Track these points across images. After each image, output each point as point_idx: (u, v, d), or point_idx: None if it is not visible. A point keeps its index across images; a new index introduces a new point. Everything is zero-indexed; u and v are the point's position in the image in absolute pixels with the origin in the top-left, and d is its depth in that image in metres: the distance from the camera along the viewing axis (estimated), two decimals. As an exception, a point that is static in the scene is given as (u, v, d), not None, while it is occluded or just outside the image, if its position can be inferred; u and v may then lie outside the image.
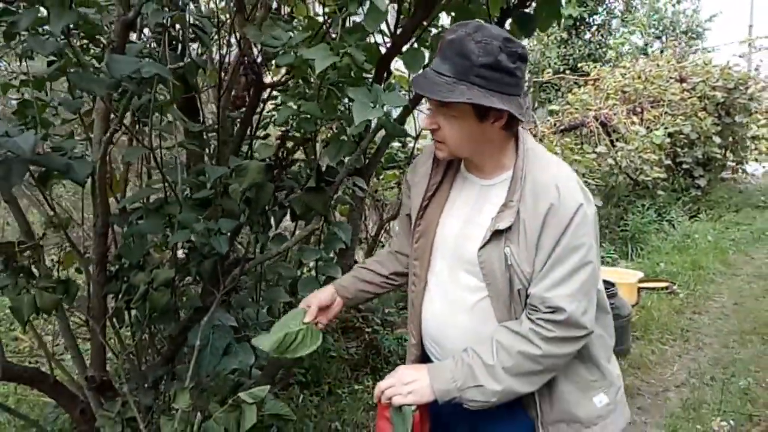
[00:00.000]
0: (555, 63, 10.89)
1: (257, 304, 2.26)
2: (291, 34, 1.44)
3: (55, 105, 2.14)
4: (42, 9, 1.44)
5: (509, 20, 1.92)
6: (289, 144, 1.84)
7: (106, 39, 1.81)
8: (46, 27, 1.50)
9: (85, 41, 2.08)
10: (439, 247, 1.35)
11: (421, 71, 1.18)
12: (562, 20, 11.50)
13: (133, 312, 2.07)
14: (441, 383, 1.20)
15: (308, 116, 1.55)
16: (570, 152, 5.26)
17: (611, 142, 6.12)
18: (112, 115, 1.71)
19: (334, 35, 1.76)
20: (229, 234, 1.77)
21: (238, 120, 2.09)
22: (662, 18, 17.60)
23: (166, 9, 1.47)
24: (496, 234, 1.19)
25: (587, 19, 11.79)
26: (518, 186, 1.19)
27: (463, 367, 1.20)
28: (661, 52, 8.90)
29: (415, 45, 1.78)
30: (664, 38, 17.41)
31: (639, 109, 6.74)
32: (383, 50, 1.88)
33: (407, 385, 1.22)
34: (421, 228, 1.37)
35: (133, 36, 1.88)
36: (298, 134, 1.81)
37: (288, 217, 1.96)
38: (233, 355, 1.98)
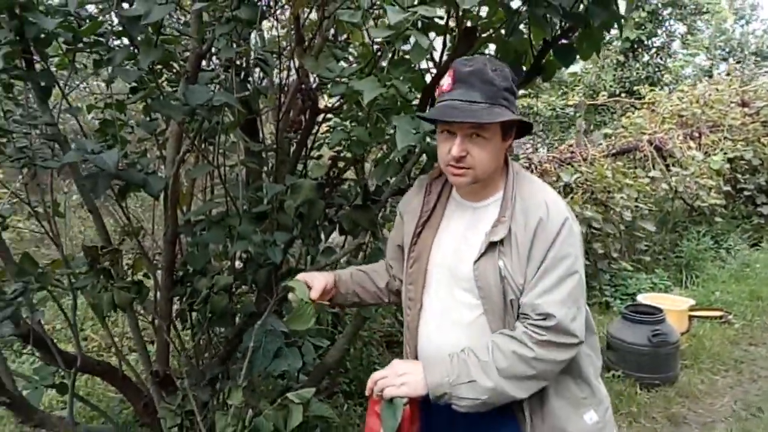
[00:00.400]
0: (611, 86, 10.76)
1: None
2: (344, 64, 1.59)
3: (131, 125, 2.40)
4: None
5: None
6: (341, 164, 2.00)
7: (181, 68, 2.02)
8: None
9: (159, 66, 2.32)
10: (434, 269, 1.40)
11: (444, 102, 1.25)
12: (619, 43, 11.41)
13: (194, 315, 2.27)
14: (434, 377, 1.23)
15: (358, 140, 1.70)
16: (622, 176, 5.22)
17: (666, 166, 6.01)
18: (184, 136, 1.92)
19: (383, 63, 1.92)
20: (283, 246, 1.94)
21: (295, 141, 2.27)
22: (729, 39, 17.05)
23: (234, 44, 1.66)
24: (491, 247, 1.26)
25: (645, 42, 11.60)
26: (509, 204, 1.28)
27: (459, 363, 1.24)
28: (728, 74, 8.67)
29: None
30: (731, 60, 16.83)
31: (696, 134, 6.59)
32: (428, 78, 2.02)
33: (401, 376, 1.24)
34: (415, 254, 1.42)
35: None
36: (349, 155, 1.97)
37: (337, 231, 2.11)
38: (283, 358, 2.14)
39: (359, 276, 1.59)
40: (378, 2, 1.46)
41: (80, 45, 1.99)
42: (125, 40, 1.93)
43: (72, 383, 1.97)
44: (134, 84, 2.03)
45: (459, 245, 1.35)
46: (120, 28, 1.77)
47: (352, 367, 3.42)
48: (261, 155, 2.26)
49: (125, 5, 1.55)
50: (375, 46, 2.29)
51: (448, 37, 1.81)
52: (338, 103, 2.13)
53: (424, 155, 1.95)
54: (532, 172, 4.98)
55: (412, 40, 1.57)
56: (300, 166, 2.29)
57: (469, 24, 1.74)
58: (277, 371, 2.12)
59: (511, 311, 1.27)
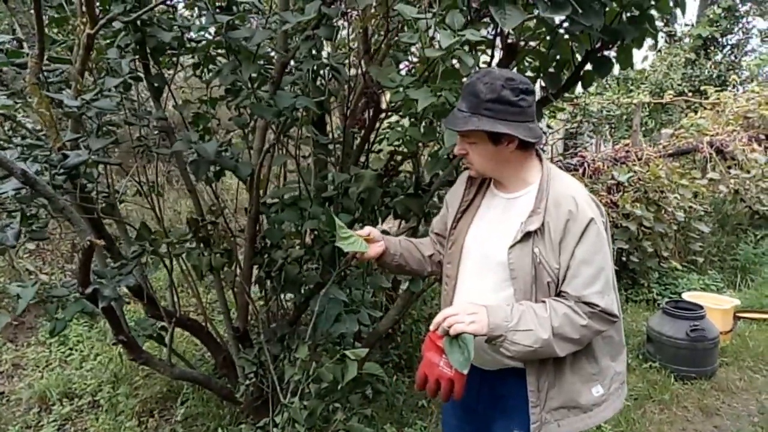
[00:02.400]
0: (678, 84, 10.52)
1: (364, 286, 2.76)
2: (403, 72, 1.90)
3: (218, 119, 2.81)
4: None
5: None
6: (397, 158, 2.32)
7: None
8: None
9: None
10: (469, 250, 1.58)
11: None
12: (691, 40, 11.10)
13: (269, 283, 2.66)
14: (496, 318, 1.37)
15: (411, 137, 2.02)
16: (677, 176, 5.28)
17: (727, 168, 5.98)
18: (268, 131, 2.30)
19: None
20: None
21: (358, 136, 2.62)
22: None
23: (314, 55, 2.01)
24: (526, 236, 1.44)
25: (720, 39, 11.23)
26: (543, 196, 1.45)
27: (518, 312, 1.38)
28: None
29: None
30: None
31: (763, 136, 6.48)
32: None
33: (470, 315, 1.36)
34: (454, 237, 1.63)
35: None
36: (405, 151, 2.29)
37: (392, 216, 2.43)
38: (342, 322, 2.49)
39: (406, 243, 1.78)
40: (432, 25, 1.75)
41: (183, 50, 2.42)
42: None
43: (171, 333, 2.40)
44: (228, 87, 2.44)
45: (492, 232, 1.54)
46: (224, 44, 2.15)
47: (402, 342, 3.75)
48: (328, 147, 2.62)
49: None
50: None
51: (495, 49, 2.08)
52: (397, 105, 2.44)
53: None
54: (584, 170, 5.13)
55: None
56: (362, 159, 2.63)
57: (510, 40, 2.01)
58: (337, 333, 2.47)
59: (545, 291, 1.43)
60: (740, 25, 11.66)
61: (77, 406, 3.40)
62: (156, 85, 2.36)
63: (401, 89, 1.88)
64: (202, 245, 2.18)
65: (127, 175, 2.47)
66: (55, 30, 2.41)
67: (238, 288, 2.45)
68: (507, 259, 1.47)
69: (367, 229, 1.69)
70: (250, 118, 2.59)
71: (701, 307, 3.76)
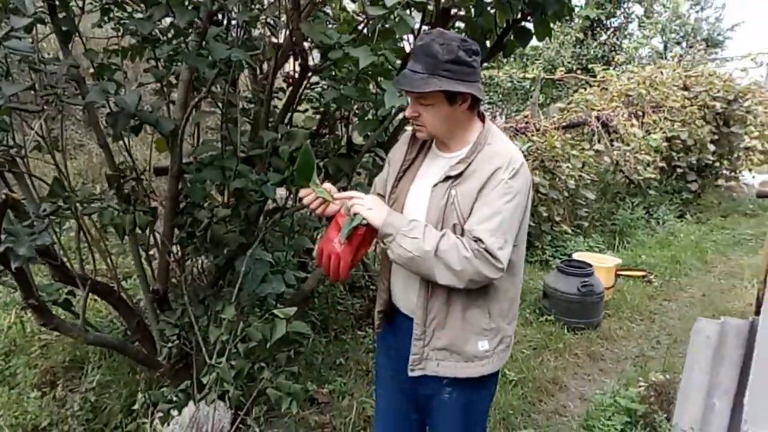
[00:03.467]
0: (568, 62, 11.25)
1: (287, 247, 2.76)
2: (337, 33, 1.89)
3: (124, 72, 2.62)
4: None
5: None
6: (329, 119, 2.32)
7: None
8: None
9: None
10: (409, 207, 1.63)
11: (402, 72, 1.50)
12: (580, 21, 11.86)
13: (188, 244, 2.57)
14: (393, 219, 1.50)
15: (347, 97, 2.02)
16: (569, 147, 5.70)
17: (610, 141, 6.55)
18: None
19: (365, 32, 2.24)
20: (275, 185, 2.27)
21: (279, 96, 2.56)
22: (684, 24, 17.79)
23: (249, 8, 1.94)
24: (446, 178, 1.52)
25: (604, 22, 12.10)
26: (477, 149, 1.53)
27: (414, 224, 1.49)
28: (680, 58, 9.20)
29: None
30: (684, 44, 17.63)
31: (640, 113, 7.15)
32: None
33: (373, 205, 1.53)
34: (395, 195, 1.67)
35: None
36: (337, 112, 2.29)
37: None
38: (268, 283, 2.48)
39: None
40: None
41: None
42: None
43: (85, 297, 2.26)
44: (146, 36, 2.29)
45: (427, 185, 1.59)
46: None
47: (319, 303, 3.81)
48: (243, 106, 2.53)
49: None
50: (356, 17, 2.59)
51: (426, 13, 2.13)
52: (324, 64, 2.42)
53: (401, 114, 2.30)
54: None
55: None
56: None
57: (443, 4, 2.07)
58: (264, 293, 2.46)
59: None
60: (622, 10, 12.63)
61: (-37, 381, 3.11)
62: (64, 29, 2.15)
63: (338, 47, 1.88)
64: (124, 204, 2.05)
65: (27, 126, 2.25)
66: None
67: (161, 249, 2.35)
68: (429, 196, 1.56)
69: (327, 185, 1.68)
70: (167, 70, 2.46)
71: (590, 266, 4.16)
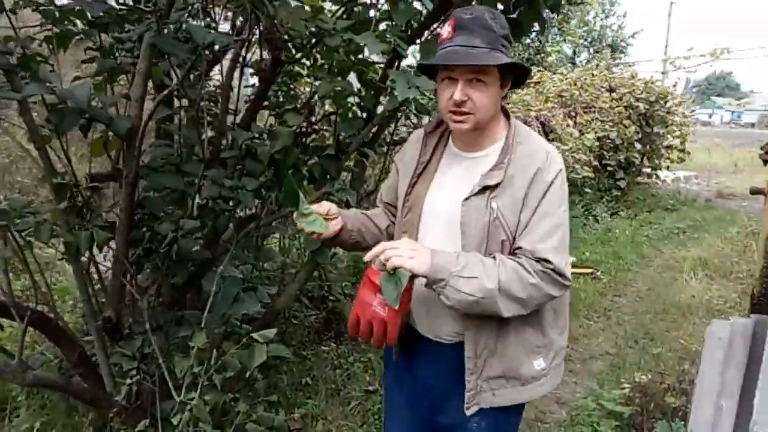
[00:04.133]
0: (496, 64, 11.49)
1: (256, 261, 2.47)
2: (336, 20, 1.67)
3: (50, 63, 2.25)
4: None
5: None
6: (318, 115, 2.07)
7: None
8: None
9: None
10: (427, 218, 1.44)
11: (445, 49, 1.31)
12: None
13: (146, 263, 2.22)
14: (440, 260, 1.26)
15: (341, 91, 1.79)
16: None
17: (549, 141, 6.67)
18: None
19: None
20: (253, 191, 1.99)
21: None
22: (591, 30, 18.81)
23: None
24: (483, 189, 1.33)
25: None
26: (510, 150, 1.35)
27: (465, 259, 1.28)
28: (588, 62, 9.59)
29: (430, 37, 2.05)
30: (591, 50, 18.63)
31: (574, 113, 7.34)
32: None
33: (412, 250, 1.26)
34: (410, 203, 1.47)
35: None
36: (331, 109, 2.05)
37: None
38: (241, 303, 2.19)
39: (362, 216, 1.61)
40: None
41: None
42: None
43: (23, 332, 1.88)
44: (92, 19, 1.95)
45: (453, 193, 1.40)
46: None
47: (278, 319, 3.51)
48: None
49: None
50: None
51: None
52: (300, 56, 2.17)
53: (386, 112, 2.09)
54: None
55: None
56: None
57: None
58: (238, 314, 2.17)
59: (496, 252, 1.32)
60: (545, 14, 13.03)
61: None
62: (-12, 8, 1.77)
63: (336, 33, 1.64)
64: (77, 218, 1.70)
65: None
66: None
67: (113, 268, 2.00)
68: (460, 214, 1.36)
69: (326, 204, 1.49)
70: (113, 59, 2.11)
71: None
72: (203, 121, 2.28)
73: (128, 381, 2.03)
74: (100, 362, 2.25)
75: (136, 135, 1.83)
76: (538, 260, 1.30)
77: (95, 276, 2.34)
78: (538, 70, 8.71)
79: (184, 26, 1.56)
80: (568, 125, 6.95)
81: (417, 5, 1.96)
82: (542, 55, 12.05)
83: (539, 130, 6.47)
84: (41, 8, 2.09)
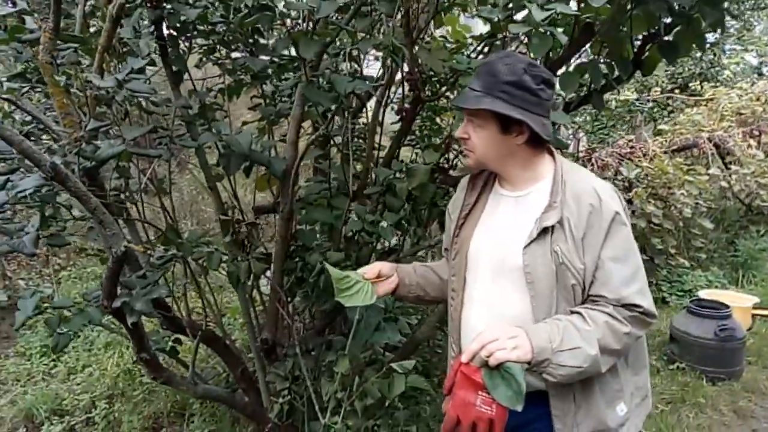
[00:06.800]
0: (662, 82, 10.59)
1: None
2: (470, 60, 1.70)
3: (225, 111, 2.55)
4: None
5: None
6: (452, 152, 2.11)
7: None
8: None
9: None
10: (474, 260, 1.40)
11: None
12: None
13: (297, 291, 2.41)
14: (539, 340, 1.17)
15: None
16: (680, 172, 5.21)
17: (725, 164, 5.96)
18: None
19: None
20: (392, 226, 2.08)
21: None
22: (782, 36, 16.52)
23: (369, 37, 1.78)
24: (542, 233, 1.26)
25: (700, 37, 11.31)
26: (559, 189, 1.29)
27: (559, 329, 1.20)
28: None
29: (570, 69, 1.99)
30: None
31: (756, 132, 6.49)
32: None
33: (512, 339, 1.16)
34: (458, 246, 1.44)
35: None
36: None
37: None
38: (382, 331, 2.27)
39: (423, 270, 1.60)
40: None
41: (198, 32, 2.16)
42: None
43: (195, 348, 2.14)
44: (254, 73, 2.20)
45: (502, 235, 1.35)
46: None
47: (419, 348, 3.55)
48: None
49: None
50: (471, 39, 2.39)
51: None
52: (440, 94, 2.23)
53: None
54: (592, 165, 5.01)
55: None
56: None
57: (588, 19, 1.83)
58: (379, 343, 2.25)
59: (570, 297, 1.26)
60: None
61: (69, 425, 3.10)
62: (175, 69, 2.09)
63: (469, 73, 1.67)
64: (238, 250, 1.93)
65: (137, 169, 2.20)
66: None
67: (271, 295, 2.20)
68: (522, 261, 1.29)
69: (377, 266, 1.52)
70: (274, 108, 2.35)
71: (727, 306, 3.67)
72: (352, 158, 2.44)
73: (280, 399, 2.20)
74: (259, 380, 2.48)
75: (289, 174, 2.02)
76: (626, 306, 1.25)
77: (258, 299, 2.60)
78: (712, 86, 7.85)
79: (329, 76, 1.69)
80: (749, 146, 6.15)
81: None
82: (717, 68, 10.85)
83: (712, 153, 5.82)
84: (219, 62, 2.43)
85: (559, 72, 1.93)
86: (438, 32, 2.58)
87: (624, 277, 1.24)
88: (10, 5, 1.75)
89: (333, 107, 1.91)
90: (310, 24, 1.69)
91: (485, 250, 1.38)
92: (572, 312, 1.25)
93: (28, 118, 1.80)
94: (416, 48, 2.01)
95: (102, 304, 1.56)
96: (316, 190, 2.27)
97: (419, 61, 2.03)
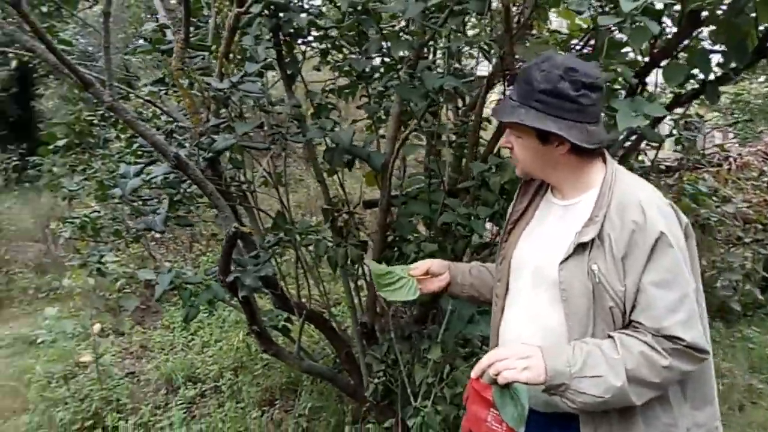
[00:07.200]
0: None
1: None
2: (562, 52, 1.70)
3: (338, 109, 2.72)
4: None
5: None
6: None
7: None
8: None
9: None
10: (518, 267, 1.35)
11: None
12: None
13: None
14: (556, 363, 1.11)
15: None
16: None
17: None
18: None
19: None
20: (485, 219, 2.12)
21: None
22: None
23: (460, 35, 1.85)
24: (579, 248, 1.18)
25: None
26: (605, 201, 1.19)
27: (582, 353, 1.12)
28: None
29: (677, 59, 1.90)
30: None
31: None
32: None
33: (523, 359, 1.11)
34: (504, 251, 1.40)
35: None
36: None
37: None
38: (476, 324, 2.32)
39: (479, 270, 1.56)
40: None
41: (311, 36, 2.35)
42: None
43: (301, 326, 2.34)
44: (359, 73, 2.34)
45: (547, 244, 1.29)
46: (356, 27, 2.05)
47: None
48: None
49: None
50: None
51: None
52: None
53: (631, 138, 1.99)
54: (729, 165, 4.58)
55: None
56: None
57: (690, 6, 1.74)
58: (472, 334, 2.30)
59: (609, 319, 1.17)
60: None
61: (201, 391, 3.49)
62: (289, 72, 2.31)
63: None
64: (337, 236, 2.10)
65: (256, 163, 2.45)
66: (193, 18, 2.43)
67: (369, 282, 2.35)
68: (558, 277, 1.21)
69: (426, 263, 1.50)
70: (378, 106, 2.49)
71: None
72: (456, 154, 2.52)
73: (376, 380, 2.34)
74: (360, 362, 2.64)
75: (386, 168, 2.14)
76: (667, 337, 1.12)
77: (364, 287, 2.77)
78: None
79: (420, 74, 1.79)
80: None
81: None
82: None
83: None
84: (336, 64, 2.62)
85: (664, 63, 1.86)
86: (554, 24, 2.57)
87: (667, 305, 1.13)
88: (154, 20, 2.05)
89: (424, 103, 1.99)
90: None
91: (528, 258, 1.33)
92: (609, 336, 1.17)
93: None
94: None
95: (219, 278, 1.79)
96: (417, 183, 2.37)
97: (516, 55, 2.05)
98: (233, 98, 1.72)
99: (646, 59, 1.92)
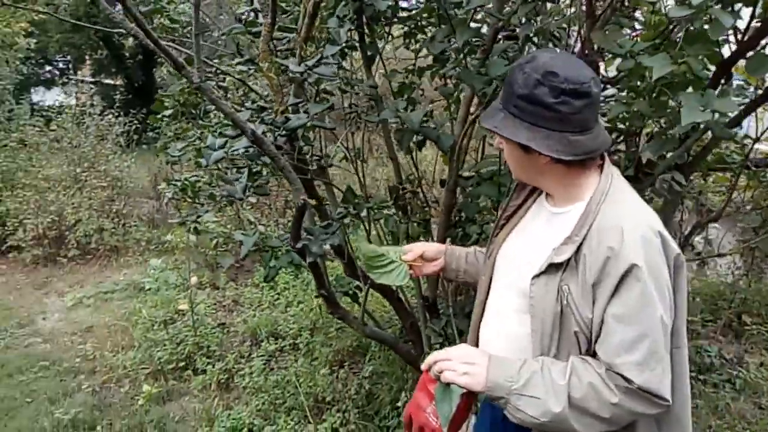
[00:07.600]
0: None
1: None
2: (635, 41, 1.67)
3: (422, 89, 2.79)
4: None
5: None
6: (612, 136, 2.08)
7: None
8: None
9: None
10: (501, 266, 1.32)
11: None
12: None
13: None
14: (497, 376, 1.10)
15: (638, 113, 1.77)
16: None
17: None
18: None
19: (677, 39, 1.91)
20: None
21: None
22: None
23: (532, 21, 1.87)
24: (553, 267, 1.13)
25: None
26: (588, 221, 1.12)
27: (528, 371, 1.10)
28: None
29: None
30: None
31: None
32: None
33: (465, 364, 1.13)
34: (492, 246, 1.37)
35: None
36: (623, 126, 2.04)
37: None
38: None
39: (475, 257, 1.54)
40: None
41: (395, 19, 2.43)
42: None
43: (366, 293, 2.50)
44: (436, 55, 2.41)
45: (530, 249, 1.24)
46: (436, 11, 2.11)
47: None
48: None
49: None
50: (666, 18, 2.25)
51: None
52: (617, 77, 2.17)
53: (709, 132, 1.92)
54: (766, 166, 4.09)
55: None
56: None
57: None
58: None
59: (574, 343, 1.12)
60: None
61: (280, 346, 3.80)
62: (369, 53, 2.42)
63: (629, 56, 1.65)
64: (400, 213, 2.21)
65: (336, 140, 2.61)
66: (283, 3, 2.60)
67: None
68: (529, 291, 1.17)
69: (420, 247, 1.51)
70: (455, 88, 2.54)
71: None
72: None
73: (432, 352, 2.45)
74: (422, 333, 2.77)
75: (454, 149, 2.21)
76: (620, 375, 1.06)
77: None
78: None
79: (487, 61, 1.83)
80: None
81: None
82: None
83: None
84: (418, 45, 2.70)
85: (749, 53, 1.77)
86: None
87: (622, 341, 1.06)
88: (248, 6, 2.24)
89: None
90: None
91: (512, 258, 1.29)
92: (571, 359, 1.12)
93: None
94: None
95: (290, 244, 1.97)
96: (486, 165, 2.42)
97: (593, 43, 2.03)
98: (309, 80, 1.86)
99: (727, 51, 1.83)
